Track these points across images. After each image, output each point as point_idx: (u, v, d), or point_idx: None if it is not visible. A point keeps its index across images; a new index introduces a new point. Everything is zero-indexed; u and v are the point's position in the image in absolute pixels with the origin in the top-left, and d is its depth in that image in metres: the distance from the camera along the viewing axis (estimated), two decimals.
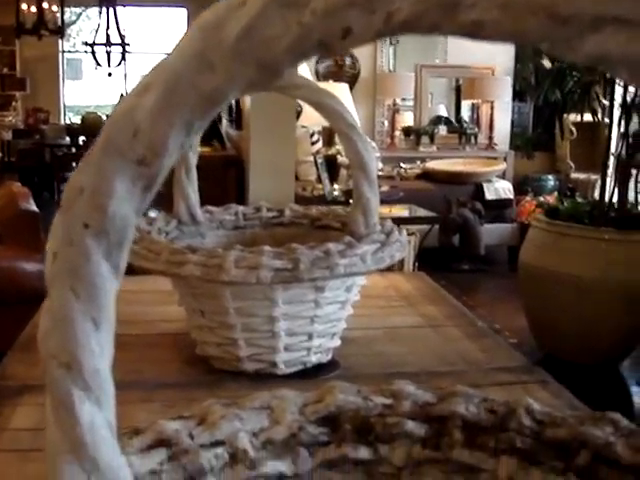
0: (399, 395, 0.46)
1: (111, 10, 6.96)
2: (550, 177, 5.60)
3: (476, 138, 5.55)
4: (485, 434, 0.44)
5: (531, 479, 0.42)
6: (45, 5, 6.80)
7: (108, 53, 7.31)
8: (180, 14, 8.86)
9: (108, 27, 7.08)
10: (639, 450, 0.40)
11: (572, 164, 5.38)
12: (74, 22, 9.59)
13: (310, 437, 0.43)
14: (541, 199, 4.16)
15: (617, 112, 2.88)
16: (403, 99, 5.93)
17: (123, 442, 0.40)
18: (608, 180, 2.78)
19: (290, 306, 0.98)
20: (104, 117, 7.59)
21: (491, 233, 4.29)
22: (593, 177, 4.47)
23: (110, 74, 7.61)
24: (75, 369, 0.32)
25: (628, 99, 2.78)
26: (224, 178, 3.74)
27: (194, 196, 1.18)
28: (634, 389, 2.70)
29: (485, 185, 4.60)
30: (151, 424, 0.42)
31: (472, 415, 0.45)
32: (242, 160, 3.17)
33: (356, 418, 0.44)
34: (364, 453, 0.43)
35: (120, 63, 7.57)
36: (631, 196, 2.93)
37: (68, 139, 7.80)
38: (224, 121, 4.72)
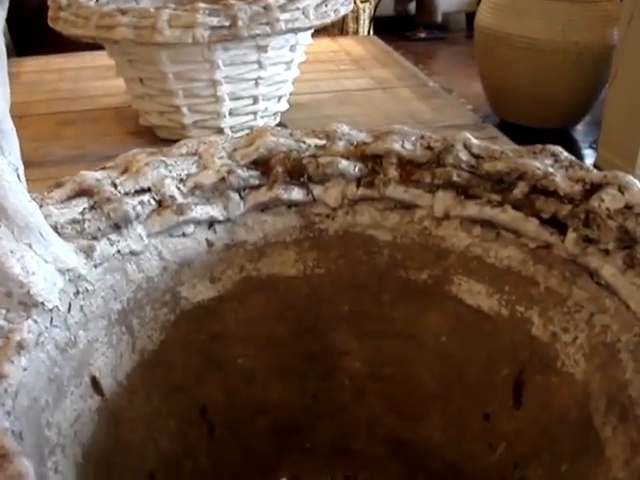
0: (333, 135, 0.44)
1: None
2: None
3: None
4: (421, 170, 0.43)
5: (467, 212, 0.41)
6: None
7: None
8: None
9: None
10: (578, 180, 0.40)
11: None
12: None
13: (241, 181, 0.42)
14: None
15: None
16: None
17: (43, 196, 0.38)
18: None
19: (232, 68, 0.93)
20: None
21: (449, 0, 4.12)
22: None
23: None
24: None
25: None
26: None
27: None
28: (587, 152, 2.75)
29: None
30: (72, 176, 0.40)
31: (408, 152, 0.43)
32: None
33: (288, 160, 0.43)
34: (297, 195, 0.42)
35: None
36: None
37: None
38: None
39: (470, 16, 4.23)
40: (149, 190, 0.40)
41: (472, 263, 0.41)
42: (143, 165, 0.40)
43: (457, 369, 0.41)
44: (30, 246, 0.32)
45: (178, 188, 0.40)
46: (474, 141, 0.44)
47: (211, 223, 0.41)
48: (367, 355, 0.44)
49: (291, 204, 0.43)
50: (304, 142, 0.44)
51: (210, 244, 0.41)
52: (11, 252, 0.31)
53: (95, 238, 0.36)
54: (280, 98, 1.06)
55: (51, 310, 0.32)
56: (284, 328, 0.43)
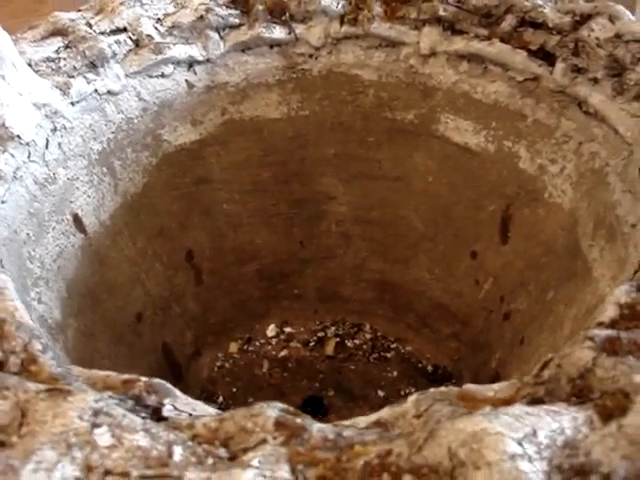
0: None
1: None
2: None
3: None
4: (406, 5, 0.41)
5: (454, 47, 0.40)
6: None
7: None
8: None
9: None
10: (568, 12, 0.38)
11: None
12: None
13: (220, 19, 0.40)
14: None
15: None
16: None
17: (16, 37, 0.37)
18: None
19: None
20: None
21: None
22: None
23: None
24: None
25: None
26: None
27: None
28: None
29: None
30: (45, 18, 0.38)
31: None
32: None
33: None
34: (279, 33, 0.41)
35: None
36: None
37: None
38: None
39: None
40: (125, 30, 0.38)
41: (459, 100, 0.40)
42: (118, 4, 0.38)
43: (444, 209, 0.41)
44: (3, 77, 0.30)
45: (155, 28, 0.39)
46: None
47: (190, 64, 0.40)
48: (353, 198, 0.43)
49: (273, 44, 0.41)
50: None
51: (190, 85, 0.40)
52: None
53: (71, 77, 0.35)
54: None
55: (28, 144, 0.32)
56: (269, 172, 0.43)
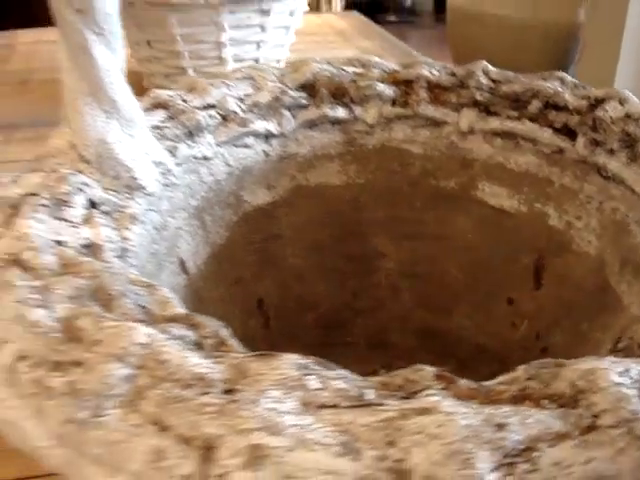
0: (368, 64, 0.50)
1: None
2: None
3: None
4: (447, 92, 0.49)
5: (489, 126, 0.47)
6: None
7: None
8: None
9: None
10: (584, 97, 0.46)
11: None
12: None
13: (291, 100, 0.47)
14: None
15: None
16: None
17: None
18: None
19: (237, 31, 0.98)
20: None
21: None
22: None
23: None
24: (89, 14, 0.34)
25: None
26: None
27: None
28: None
29: None
30: (146, 94, 0.45)
31: (435, 77, 0.49)
32: None
33: (331, 83, 0.48)
34: (341, 113, 0.48)
35: None
36: None
37: None
38: None
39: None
40: (214, 106, 0.45)
41: (494, 170, 0.47)
42: (207, 86, 0.46)
43: (482, 262, 0.48)
44: (133, 137, 0.37)
45: (238, 105, 0.46)
46: (491, 68, 0.50)
47: (267, 136, 0.47)
48: (401, 255, 0.50)
49: (335, 122, 0.48)
50: (344, 70, 0.49)
51: (267, 155, 0.47)
52: (120, 141, 0.36)
53: (175, 142, 0.42)
54: (278, 62, 1.11)
55: (149, 195, 0.38)
56: (328, 232, 0.49)
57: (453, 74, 0.50)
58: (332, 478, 0.19)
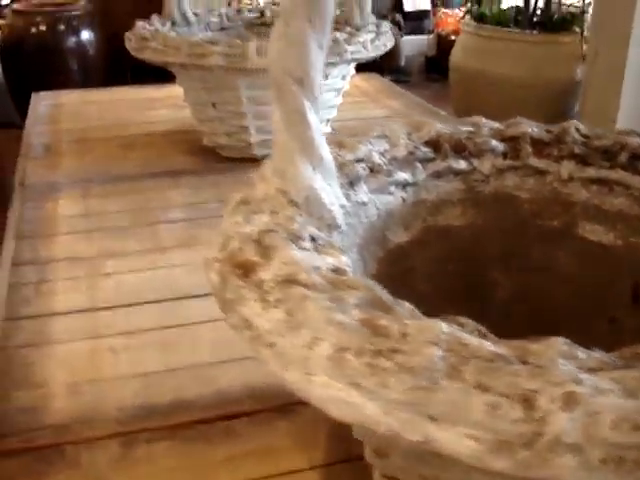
0: (478, 124, 0.60)
1: None
2: None
3: None
4: (549, 146, 0.58)
5: (586, 174, 0.56)
6: None
7: None
8: None
9: None
10: None
11: None
12: None
13: (422, 154, 0.56)
14: (458, 11, 4.23)
15: None
16: None
17: None
18: None
19: None
20: None
21: (410, 44, 4.37)
22: None
23: None
24: (307, 84, 0.43)
25: None
26: None
27: None
28: None
29: None
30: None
31: (536, 134, 0.58)
32: None
33: (451, 140, 0.57)
34: (462, 165, 0.57)
35: None
36: None
37: None
38: None
39: (430, 60, 4.48)
40: (363, 160, 0.54)
41: (592, 210, 0.56)
42: (356, 143, 0.54)
43: (586, 289, 0.56)
44: (331, 186, 0.46)
45: (381, 159, 0.55)
46: (581, 126, 0.59)
47: (404, 185, 0.55)
48: (513, 285, 0.58)
49: (457, 172, 0.57)
50: (459, 128, 0.59)
51: (404, 200, 0.55)
52: (323, 189, 0.45)
53: (344, 189, 0.50)
54: (328, 122, 1.21)
55: (341, 233, 0.46)
56: (452, 265, 0.57)
57: (549, 131, 0.59)
58: (623, 414, 0.27)
